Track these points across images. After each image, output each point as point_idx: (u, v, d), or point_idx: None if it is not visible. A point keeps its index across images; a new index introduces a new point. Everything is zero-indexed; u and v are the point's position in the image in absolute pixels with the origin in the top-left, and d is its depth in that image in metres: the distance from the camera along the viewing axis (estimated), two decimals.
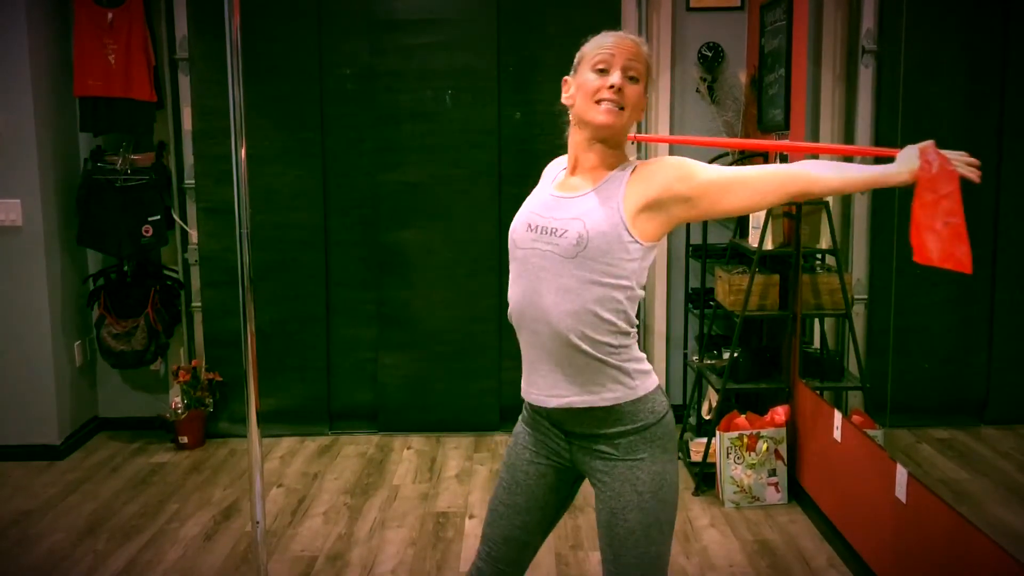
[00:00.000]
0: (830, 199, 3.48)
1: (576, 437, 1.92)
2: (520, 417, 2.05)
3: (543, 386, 1.89)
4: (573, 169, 1.93)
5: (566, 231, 1.82)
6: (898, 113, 2.90)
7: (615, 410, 1.86)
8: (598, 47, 1.87)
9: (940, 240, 1.77)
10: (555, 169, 2.03)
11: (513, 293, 1.91)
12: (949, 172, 1.77)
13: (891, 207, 2.94)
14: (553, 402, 1.88)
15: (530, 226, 1.88)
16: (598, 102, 1.84)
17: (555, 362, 1.86)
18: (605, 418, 1.87)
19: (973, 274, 1.80)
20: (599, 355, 1.83)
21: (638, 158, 1.97)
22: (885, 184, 1.81)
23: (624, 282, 1.83)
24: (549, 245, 1.84)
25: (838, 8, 3.43)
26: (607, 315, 1.83)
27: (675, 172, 1.82)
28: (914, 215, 1.79)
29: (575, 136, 1.92)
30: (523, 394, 1.97)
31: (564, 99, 1.94)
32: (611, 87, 1.83)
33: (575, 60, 1.93)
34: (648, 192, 1.82)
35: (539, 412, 1.96)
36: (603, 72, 1.85)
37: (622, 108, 1.85)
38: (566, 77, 1.94)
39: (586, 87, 1.86)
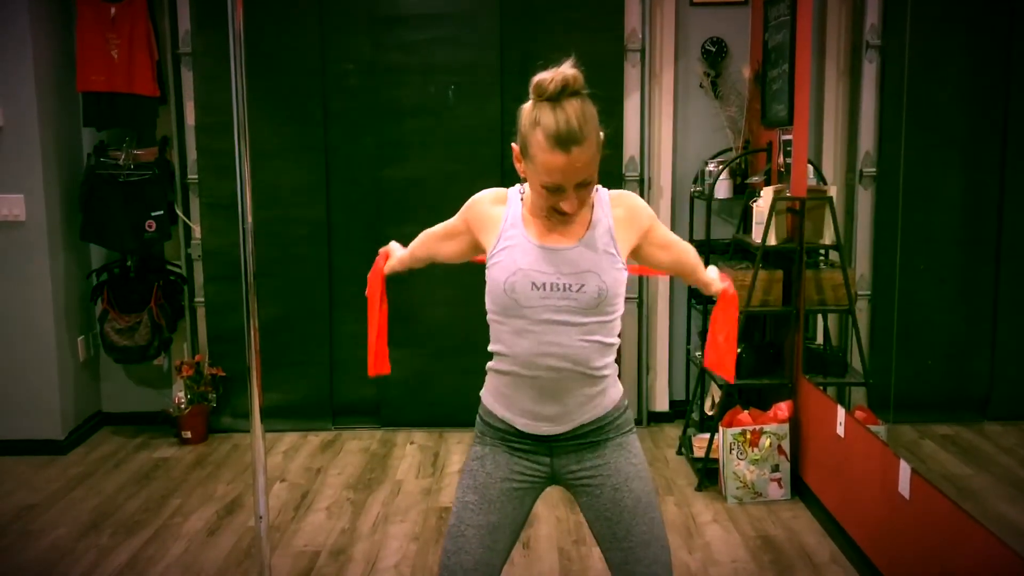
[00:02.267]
0: (833, 196, 3.48)
1: (564, 440, 1.95)
2: (481, 442, 2.00)
3: (554, 418, 1.91)
4: (546, 219, 1.88)
5: (583, 285, 1.85)
6: (902, 108, 2.89)
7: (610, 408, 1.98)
8: (545, 165, 1.75)
9: (717, 350, 2.17)
10: (499, 209, 1.94)
11: (520, 346, 1.89)
12: (733, 297, 2.16)
13: (895, 203, 2.94)
14: (563, 428, 1.93)
15: (535, 284, 1.85)
16: (552, 208, 1.82)
17: (568, 395, 1.90)
18: (599, 416, 1.96)
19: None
20: (606, 374, 1.94)
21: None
22: (707, 290, 2.16)
23: (622, 309, 1.94)
24: (566, 300, 1.85)
25: (842, 3, 3.42)
26: (613, 340, 1.93)
27: (647, 225, 1.95)
28: (711, 325, 2.20)
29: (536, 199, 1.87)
30: (524, 428, 1.93)
31: (518, 169, 1.87)
32: (564, 210, 1.80)
33: (521, 126, 1.80)
34: (633, 239, 1.95)
35: (518, 435, 1.96)
36: (554, 192, 1.78)
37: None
38: (513, 144, 1.84)
39: (537, 191, 1.82)
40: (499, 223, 1.93)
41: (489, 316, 1.96)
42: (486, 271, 1.93)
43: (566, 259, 1.86)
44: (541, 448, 1.96)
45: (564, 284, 1.85)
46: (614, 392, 1.97)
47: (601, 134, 1.81)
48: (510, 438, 1.97)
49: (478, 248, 1.99)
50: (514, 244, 1.89)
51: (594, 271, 1.86)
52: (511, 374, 1.93)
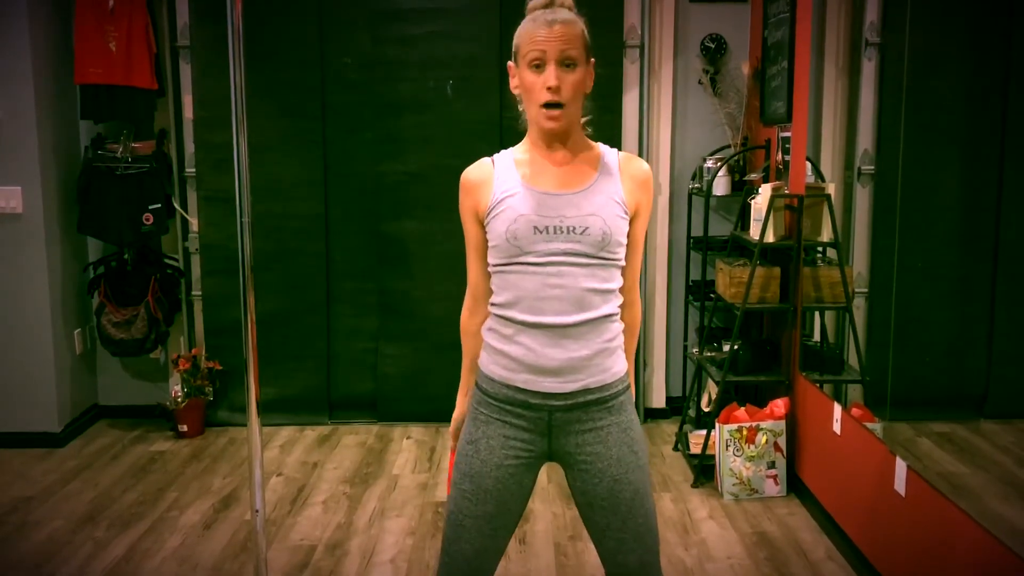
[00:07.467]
0: (831, 193, 3.48)
1: (567, 409, 1.90)
2: (474, 421, 1.97)
3: (559, 371, 1.88)
4: (549, 156, 1.91)
5: (587, 228, 1.85)
6: (901, 106, 2.89)
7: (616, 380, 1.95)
8: (530, 39, 1.83)
9: None
10: (486, 169, 1.94)
11: (525, 288, 1.87)
12: None
13: (893, 201, 2.94)
14: (567, 387, 1.88)
15: (536, 228, 1.85)
16: (541, 106, 1.84)
17: (573, 340, 1.87)
18: (605, 383, 1.92)
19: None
20: (612, 316, 1.92)
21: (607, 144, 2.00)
22: None
23: (623, 260, 1.94)
24: (570, 243, 1.85)
25: (841, 0, 3.42)
26: (614, 285, 1.92)
27: (645, 201, 1.95)
28: None
29: (534, 129, 1.92)
30: (525, 385, 1.89)
31: (512, 88, 1.92)
32: (549, 88, 1.82)
33: (514, 45, 1.89)
34: (637, 201, 1.94)
35: (517, 403, 1.92)
36: (539, 68, 1.83)
37: (563, 105, 1.84)
38: (510, 63, 1.91)
39: (526, 87, 1.86)
40: (491, 179, 1.93)
41: (492, 269, 1.94)
42: (487, 225, 1.92)
43: (570, 203, 1.87)
44: (540, 421, 1.91)
45: (568, 227, 1.85)
46: (620, 361, 1.94)
47: (591, 59, 1.89)
48: (508, 408, 1.92)
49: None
50: (513, 193, 1.89)
51: (598, 215, 1.86)
52: (515, 321, 1.89)
